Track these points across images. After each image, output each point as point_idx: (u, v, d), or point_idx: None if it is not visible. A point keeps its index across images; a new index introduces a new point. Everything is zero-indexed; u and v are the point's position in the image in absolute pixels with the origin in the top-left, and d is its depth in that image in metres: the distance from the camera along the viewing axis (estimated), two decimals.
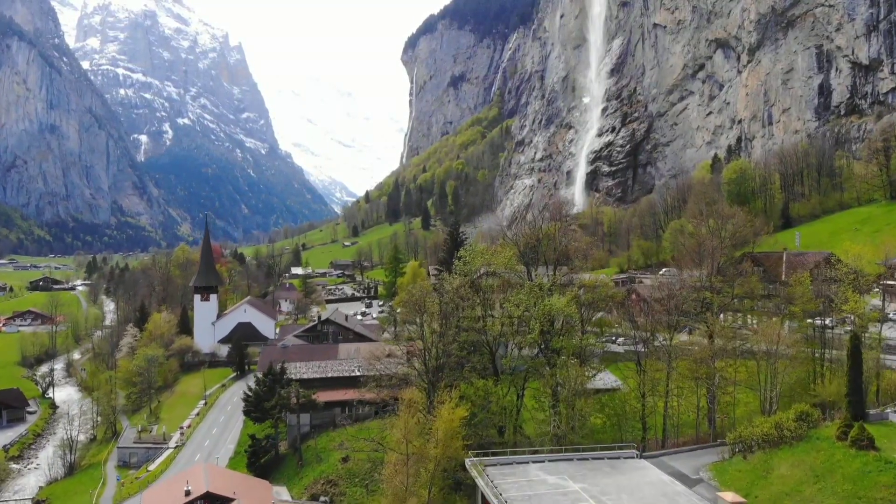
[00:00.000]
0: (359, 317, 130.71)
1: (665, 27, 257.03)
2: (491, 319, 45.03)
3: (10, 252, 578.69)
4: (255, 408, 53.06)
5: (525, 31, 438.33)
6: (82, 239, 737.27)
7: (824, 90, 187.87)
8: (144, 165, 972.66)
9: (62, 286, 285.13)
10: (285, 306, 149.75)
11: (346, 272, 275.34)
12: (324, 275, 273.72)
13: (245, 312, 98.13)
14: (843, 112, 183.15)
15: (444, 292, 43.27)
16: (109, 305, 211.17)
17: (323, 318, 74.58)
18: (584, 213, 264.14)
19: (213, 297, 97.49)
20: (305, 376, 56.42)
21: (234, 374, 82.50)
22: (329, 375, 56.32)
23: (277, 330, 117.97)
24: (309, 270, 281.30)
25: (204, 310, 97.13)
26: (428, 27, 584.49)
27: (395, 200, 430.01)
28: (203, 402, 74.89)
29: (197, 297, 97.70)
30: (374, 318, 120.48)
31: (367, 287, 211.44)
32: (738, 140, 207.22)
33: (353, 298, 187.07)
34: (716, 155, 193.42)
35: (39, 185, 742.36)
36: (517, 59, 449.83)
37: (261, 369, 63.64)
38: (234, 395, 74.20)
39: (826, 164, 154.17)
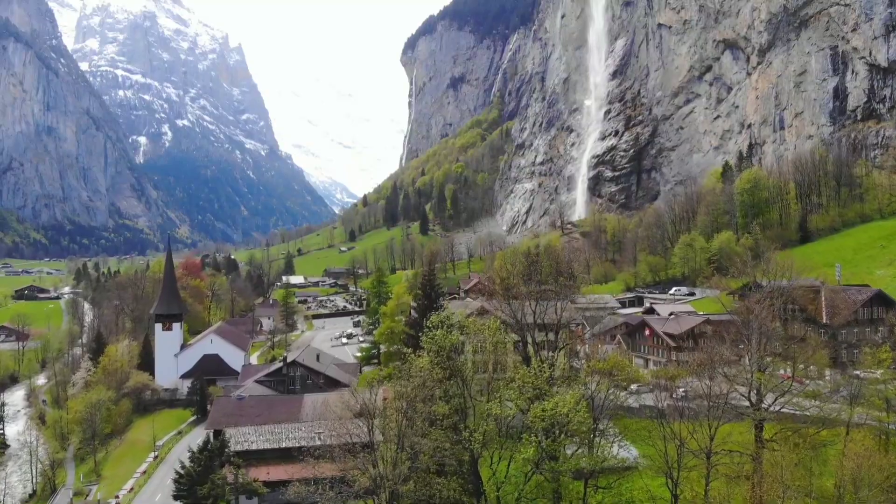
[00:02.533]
0: (344, 340, 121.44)
1: (670, 27, 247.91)
2: (473, 406, 35.07)
3: (5, 255, 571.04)
4: (186, 492, 43.77)
5: (525, 32, 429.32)
6: (79, 242, 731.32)
7: (839, 93, 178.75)
8: (143, 167, 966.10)
9: (47, 295, 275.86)
10: (267, 324, 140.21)
11: (339, 282, 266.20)
12: (316, 284, 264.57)
13: (212, 343, 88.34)
14: (859, 117, 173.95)
15: (406, 387, 33.56)
16: (91, 317, 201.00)
17: (290, 358, 65.24)
18: (586, 221, 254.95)
19: (177, 326, 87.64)
20: (254, 446, 47.17)
21: (194, 416, 73.22)
22: (283, 446, 47.05)
23: (252, 358, 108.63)
24: (301, 280, 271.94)
25: (166, 340, 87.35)
26: (427, 28, 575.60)
27: (393, 204, 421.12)
28: (153, 454, 65.44)
29: (158, 327, 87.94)
30: (359, 341, 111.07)
31: (359, 299, 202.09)
32: (750, 146, 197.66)
33: (343, 312, 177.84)
34: (727, 163, 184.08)
35: (36, 188, 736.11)
36: (517, 60, 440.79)
37: (210, 426, 54.68)
38: (192, 444, 65.00)
39: (845, 173, 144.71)
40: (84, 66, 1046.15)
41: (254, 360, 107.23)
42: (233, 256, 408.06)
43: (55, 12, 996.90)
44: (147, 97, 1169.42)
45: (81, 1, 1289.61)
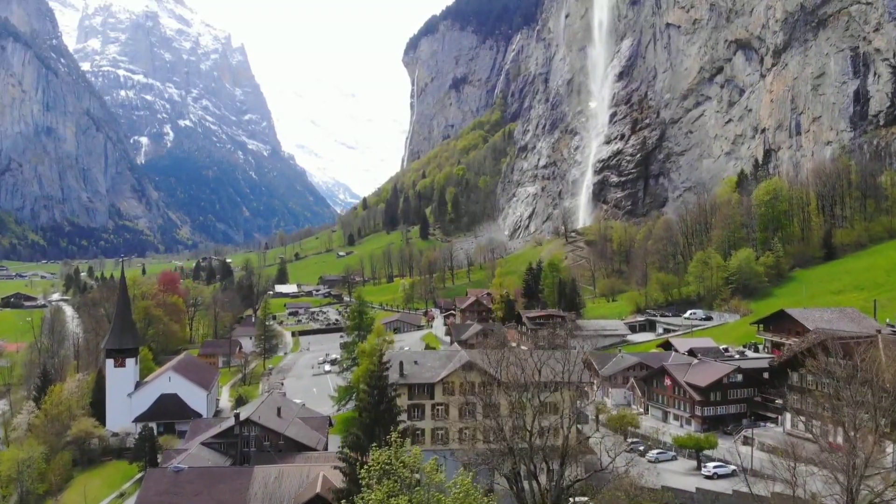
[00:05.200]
0: (326, 367, 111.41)
1: (679, 27, 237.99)
2: None
3: (2, 258, 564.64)
4: None
5: (529, 32, 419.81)
6: (78, 244, 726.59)
7: (860, 97, 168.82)
8: (145, 168, 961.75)
9: (34, 303, 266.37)
10: (248, 345, 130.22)
11: (333, 291, 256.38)
12: (310, 293, 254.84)
13: (170, 381, 78.11)
14: (882, 122, 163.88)
15: None
16: (76, 327, 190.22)
17: (244, 414, 54.89)
18: (591, 228, 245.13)
19: (131, 361, 77.14)
20: None
21: (142, 471, 63.36)
22: None
23: (224, 390, 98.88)
24: (293, 289, 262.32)
25: (118, 378, 76.76)
26: (429, 28, 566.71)
27: (393, 207, 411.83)
28: None
29: (110, 363, 77.76)
30: (342, 369, 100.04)
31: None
32: (766, 153, 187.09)
33: (333, 328, 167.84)
34: (742, 171, 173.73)
35: (34, 189, 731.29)
36: (520, 61, 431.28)
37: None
38: None
39: (870, 184, 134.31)
40: (86, 66, 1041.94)
41: (225, 392, 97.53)
42: (228, 260, 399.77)
43: (57, 12, 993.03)
44: (149, 97, 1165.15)
45: (83, 1, 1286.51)
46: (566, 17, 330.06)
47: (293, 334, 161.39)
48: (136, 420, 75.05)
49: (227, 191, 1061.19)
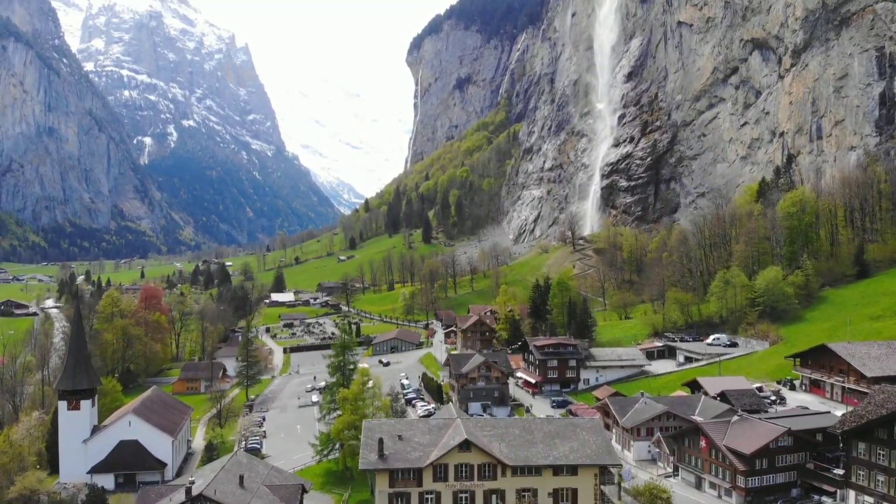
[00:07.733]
0: (314, 397, 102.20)
1: (691, 26, 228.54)
2: None
3: (2, 260, 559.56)
4: None
5: (534, 32, 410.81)
6: (80, 245, 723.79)
7: (886, 100, 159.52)
8: (147, 168, 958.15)
9: (24, 311, 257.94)
10: (233, 367, 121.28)
11: (332, 301, 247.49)
12: (307, 302, 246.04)
13: (130, 426, 68.95)
14: None
15: None
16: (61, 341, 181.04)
17: (198, 485, 45.59)
18: (600, 235, 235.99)
19: (86, 403, 67.09)
20: None
21: None
22: None
23: (198, 428, 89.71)
24: (290, 297, 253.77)
25: (72, 422, 66.92)
26: (433, 27, 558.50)
27: (395, 210, 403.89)
28: None
29: (63, 405, 67.86)
30: (322, 417, 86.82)
31: (349, 323, 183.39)
32: (789, 160, 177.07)
33: (328, 344, 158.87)
34: (763, 179, 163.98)
35: (36, 190, 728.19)
36: (525, 60, 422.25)
37: None
38: None
39: None
40: (89, 66, 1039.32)
41: (200, 430, 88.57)
42: (228, 264, 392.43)
43: (60, 12, 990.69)
44: (152, 97, 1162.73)
45: (87, 1, 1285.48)
46: (573, 15, 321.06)
47: (285, 350, 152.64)
48: (92, 471, 66.43)
49: (230, 191, 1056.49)
